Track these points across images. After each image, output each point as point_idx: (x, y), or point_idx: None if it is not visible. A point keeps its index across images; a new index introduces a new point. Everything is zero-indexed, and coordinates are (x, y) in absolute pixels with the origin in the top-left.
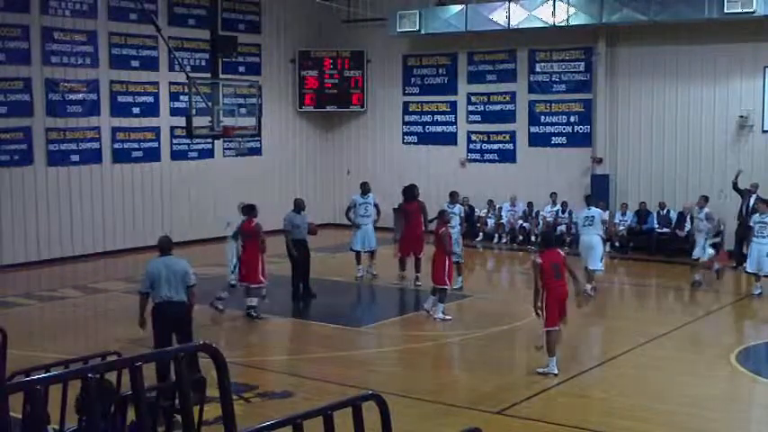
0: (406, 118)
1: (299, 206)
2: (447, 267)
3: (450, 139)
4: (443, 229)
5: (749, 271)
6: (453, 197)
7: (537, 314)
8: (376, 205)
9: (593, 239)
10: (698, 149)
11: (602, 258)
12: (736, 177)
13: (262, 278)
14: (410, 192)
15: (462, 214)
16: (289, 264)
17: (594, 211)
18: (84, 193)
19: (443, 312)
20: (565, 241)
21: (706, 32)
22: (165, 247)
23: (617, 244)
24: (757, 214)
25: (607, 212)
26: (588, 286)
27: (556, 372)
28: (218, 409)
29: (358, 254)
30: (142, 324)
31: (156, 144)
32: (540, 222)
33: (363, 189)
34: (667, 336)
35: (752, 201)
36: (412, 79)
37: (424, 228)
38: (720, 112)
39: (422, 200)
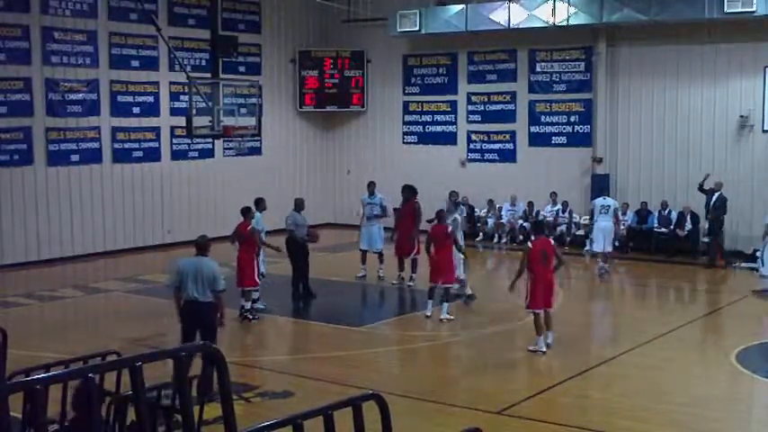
0: (407, 118)
1: (300, 206)
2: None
3: (451, 139)
4: (448, 228)
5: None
6: (452, 197)
7: (510, 290)
8: (383, 206)
9: (608, 225)
10: (698, 149)
11: (613, 241)
12: (704, 180)
13: (257, 280)
14: (406, 192)
15: (464, 214)
16: (288, 264)
17: (610, 200)
18: (84, 193)
19: (448, 312)
20: (565, 242)
21: (706, 32)
22: (201, 247)
23: (617, 243)
24: None
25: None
26: (606, 265)
27: (544, 350)
28: (218, 409)
29: (363, 253)
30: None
31: (156, 144)
32: None
33: (370, 189)
34: (667, 336)
35: (714, 198)
36: (412, 79)
37: (415, 229)
38: (720, 112)
39: (417, 200)
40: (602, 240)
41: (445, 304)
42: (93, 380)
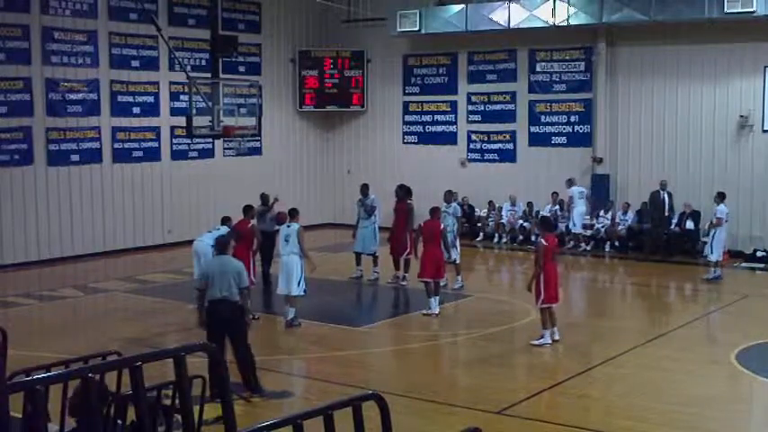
0: (407, 118)
1: (266, 201)
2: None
3: (451, 139)
4: (441, 226)
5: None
6: (447, 196)
7: (529, 289)
8: (372, 206)
9: (584, 209)
10: (698, 149)
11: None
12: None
13: (253, 279)
14: (400, 192)
15: (459, 214)
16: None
17: (582, 187)
18: (84, 193)
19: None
20: (564, 241)
21: (706, 32)
22: (222, 246)
23: (617, 243)
24: (723, 206)
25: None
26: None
27: (549, 342)
28: (218, 409)
29: (357, 255)
30: (201, 323)
31: (156, 144)
32: None
33: (363, 191)
34: (667, 336)
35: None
36: (412, 79)
37: (407, 229)
38: (720, 112)
39: (411, 201)
40: (580, 222)
41: (437, 298)
42: (100, 380)
